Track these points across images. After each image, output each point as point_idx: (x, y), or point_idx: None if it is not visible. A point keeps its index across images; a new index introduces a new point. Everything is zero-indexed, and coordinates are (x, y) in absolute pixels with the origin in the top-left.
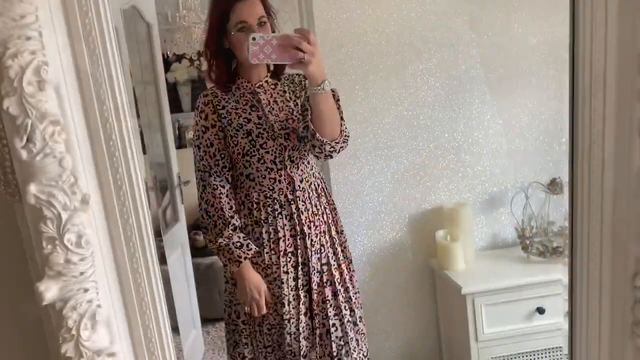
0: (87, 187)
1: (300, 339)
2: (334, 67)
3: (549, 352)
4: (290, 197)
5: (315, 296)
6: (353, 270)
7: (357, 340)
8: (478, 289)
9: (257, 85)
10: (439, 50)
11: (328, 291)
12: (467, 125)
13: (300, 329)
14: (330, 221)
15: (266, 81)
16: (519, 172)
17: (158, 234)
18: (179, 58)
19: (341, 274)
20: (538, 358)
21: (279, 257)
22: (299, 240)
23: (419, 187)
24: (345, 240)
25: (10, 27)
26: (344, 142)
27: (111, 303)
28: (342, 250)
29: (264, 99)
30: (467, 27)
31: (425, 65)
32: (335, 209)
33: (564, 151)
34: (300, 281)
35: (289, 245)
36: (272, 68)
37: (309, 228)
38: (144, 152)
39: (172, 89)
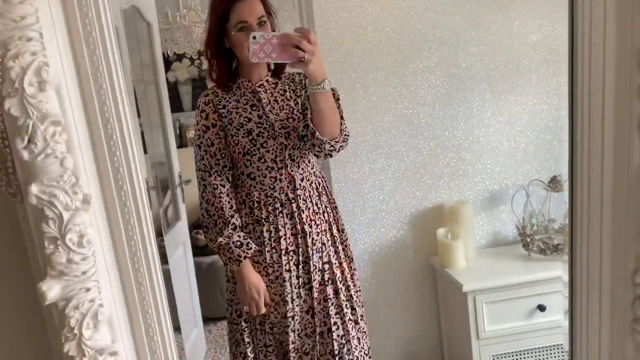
0: (89, 187)
1: (303, 337)
2: (334, 65)
3: (550, 350)
4: (291, 195)
5: (316, 294)
6: (354, 269)
7: (358, 338)
8: (479, 287)
9: (257, 85)
10: (439, 48)
11: (329, 289)
12: (467, 123)
13: (303, 326)
14: (331, 220)
15: (267, 80)
16: (519, 170)
17: (159, 233)
18: (180, 57)
19: (342, 272)
20: (539, 355)
21: (280, 256)
22: (299, 239)
23: (420, 185)
24: (347, 239)
25: (11, 29)
26: (343, 141)
27: (113, 302)
28: (343, 249)
29: (264, 98)
30: (467, 25)
31: (425, 64)
32: (336, 207)
33: (564, 149)
34: (301, 279)
35: (290, 244)
36: (272, 67)
37: (310, 227)
38: (145, 151)
39: (173, 88)
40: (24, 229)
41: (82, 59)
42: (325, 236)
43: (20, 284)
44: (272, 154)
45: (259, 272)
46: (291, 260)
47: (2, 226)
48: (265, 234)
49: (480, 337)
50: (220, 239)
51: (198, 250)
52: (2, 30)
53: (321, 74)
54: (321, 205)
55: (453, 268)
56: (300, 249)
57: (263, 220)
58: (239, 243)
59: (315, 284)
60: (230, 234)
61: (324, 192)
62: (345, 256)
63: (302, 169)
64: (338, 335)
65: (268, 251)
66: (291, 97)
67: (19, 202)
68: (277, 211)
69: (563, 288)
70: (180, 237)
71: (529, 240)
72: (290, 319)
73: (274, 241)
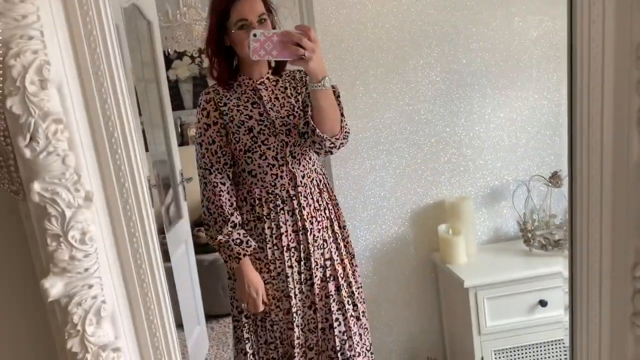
0: (91, 185)
1: (307, 332)
2: (335, 62)
3: (551, 345)
4: (292, 192)
5: (318, 291)
6: (356, 265)
7: (360, 334)
8: (480, 283)
9: (258, 82)
10: (439, 44)
11: (331, 286)
12: (468, 119)
13: (306, 321)
14: (332, 216)
15: (267, 78)
16: (520, 166)
17: (161, 231)
18: (180, 55)
19: (344, 268)
20: (540, 351)
21: (282, 253)
22: (301, 236)
23: (421, 182)
24: (348, 235)
25: (12, 27)
26: (344, 138)
27: (116, 299)
28: (345, 245)
29: (265, 96)
30: (467, 21)
31: (425, 60)
32: (337, 204)
33: (565, 144)
34: (302, 276)
35: (292, 241)
36: (273, 65)
37: (311, 223)
38: (147, 149)
39: (174, 86)
40: (26, 226)
41: (83, 58)
42: (327, 233)
43: (23, 281)
44: (273, 151)
45: (261, 269)
46: (293, 256)
47: (4, 224)
48: (267, 231)
49: (481, 332)
50: (220, 237)
51: (200, 247)
52: (3, 29)
53: (322, 72)
54: (322, 202)
55: (454, 264)
56: (302, 246)
57: (264, 217)
58: (238, 241)
59: (316, 281)
60: (230, 232)
61: (325, 189)
62: (347, 253)
63: (303, 166)
64: (340, 332)
65: (270, 248)
66: (292, 95)
67: (21, 200)
68: (279, 208)
69: (563, 283)
70: (182, 235)
71: (530, 235)
72: (294, 314)
73: (276, 238)
